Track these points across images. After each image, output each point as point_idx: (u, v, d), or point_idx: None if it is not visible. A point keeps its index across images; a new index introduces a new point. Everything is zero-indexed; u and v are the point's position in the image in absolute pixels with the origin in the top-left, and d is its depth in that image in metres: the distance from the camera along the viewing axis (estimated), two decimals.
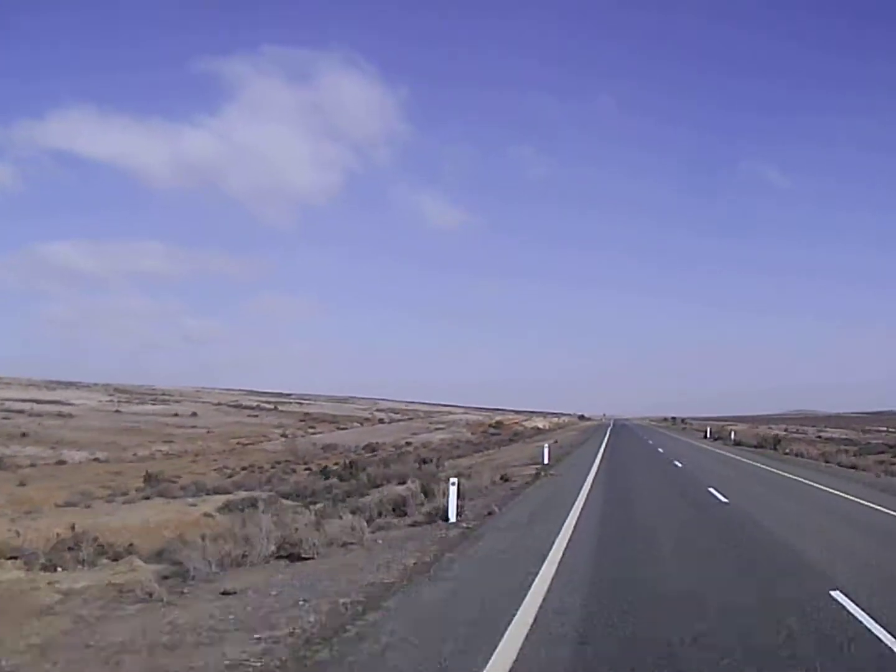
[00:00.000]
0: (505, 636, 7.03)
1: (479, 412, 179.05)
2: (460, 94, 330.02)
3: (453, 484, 15.71)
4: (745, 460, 38.71)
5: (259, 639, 7.19)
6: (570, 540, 12.53)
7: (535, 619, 7.62)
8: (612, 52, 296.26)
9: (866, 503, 18.81)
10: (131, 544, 16.71)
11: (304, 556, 11.66)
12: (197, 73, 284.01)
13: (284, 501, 27.88)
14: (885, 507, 17.73)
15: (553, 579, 9.51)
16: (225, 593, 9.26)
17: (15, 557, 13.39)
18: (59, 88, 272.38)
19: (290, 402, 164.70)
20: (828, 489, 22.66)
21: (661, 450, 47.73)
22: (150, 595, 9.24)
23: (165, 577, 10.72)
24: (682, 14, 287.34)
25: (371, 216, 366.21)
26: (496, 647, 6.71)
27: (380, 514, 16.76)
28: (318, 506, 22.10)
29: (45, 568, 12.68)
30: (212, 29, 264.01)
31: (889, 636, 6.98)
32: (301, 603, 8.57)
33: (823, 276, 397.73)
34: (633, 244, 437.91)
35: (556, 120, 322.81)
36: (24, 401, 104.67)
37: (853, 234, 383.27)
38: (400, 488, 21.67)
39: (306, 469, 52.85)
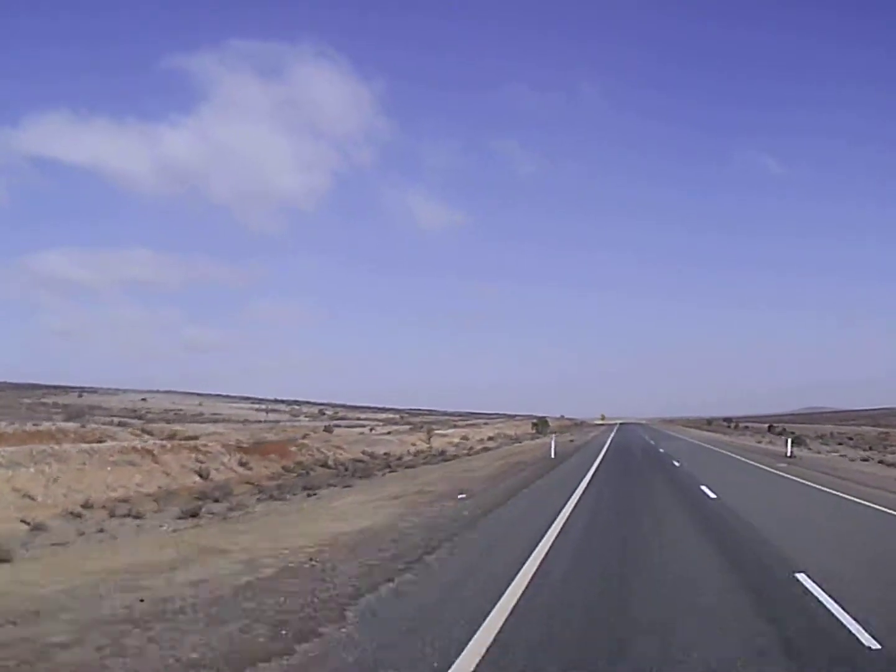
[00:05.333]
0: None
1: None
2: (437, 85, 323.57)
3: None
4: None
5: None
6: None
7: None
8: (594, 44, 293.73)
9: None
10: None
11: None
12: (166, 71, 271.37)
13: None
14: None
15: None
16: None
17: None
18: (29, 93, 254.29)
19: None
20: None
21: None
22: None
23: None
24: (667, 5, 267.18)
25: (359, 217, 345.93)
26: None
27: None
28: None
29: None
30: (176, 23, 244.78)
31: None
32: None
33: (823, 271, 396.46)
34: (631, 242, 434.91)
35: (539, 113, 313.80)
36: None
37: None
38: None
39: None
